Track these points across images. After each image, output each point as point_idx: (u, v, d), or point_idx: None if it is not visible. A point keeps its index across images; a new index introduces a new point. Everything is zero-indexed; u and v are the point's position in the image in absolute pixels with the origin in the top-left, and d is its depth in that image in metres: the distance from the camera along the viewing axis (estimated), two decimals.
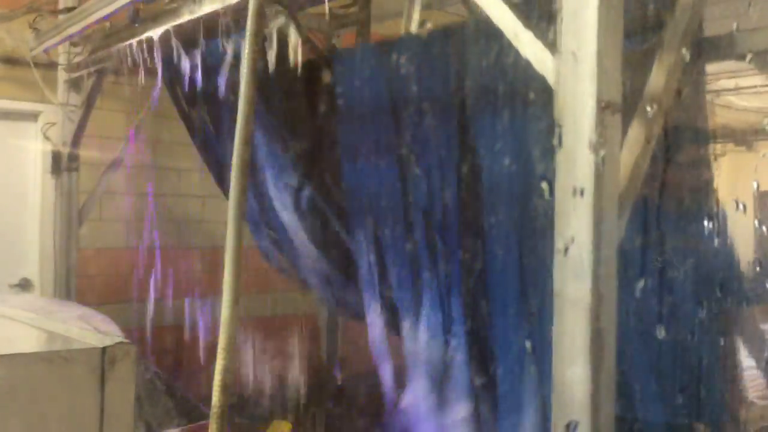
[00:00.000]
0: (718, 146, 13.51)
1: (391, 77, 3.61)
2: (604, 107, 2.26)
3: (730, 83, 9.93)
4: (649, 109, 2.55)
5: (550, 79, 2.40)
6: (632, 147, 2.50)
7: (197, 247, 6.88)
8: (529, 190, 3.00)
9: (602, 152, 2.27)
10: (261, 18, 3.08)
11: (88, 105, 6.09)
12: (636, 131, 2.53)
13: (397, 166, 3.69)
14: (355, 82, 3.84)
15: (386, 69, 3.63)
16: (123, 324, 6.39)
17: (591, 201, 2.27)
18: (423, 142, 3.54)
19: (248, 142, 2.98)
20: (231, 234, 2.90)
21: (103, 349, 1.83)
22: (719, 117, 12.25)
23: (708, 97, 12.30)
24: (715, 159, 12.22)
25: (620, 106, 2.31)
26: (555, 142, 2.36)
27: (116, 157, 6.33)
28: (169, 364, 6.74)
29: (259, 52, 3.18)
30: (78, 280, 6.25)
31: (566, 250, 2.33)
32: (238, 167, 2.94)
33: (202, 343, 6.62)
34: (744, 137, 11.71)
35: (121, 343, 1.82)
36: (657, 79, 2.60)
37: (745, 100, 10.61)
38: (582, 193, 2.29)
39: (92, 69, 5.81)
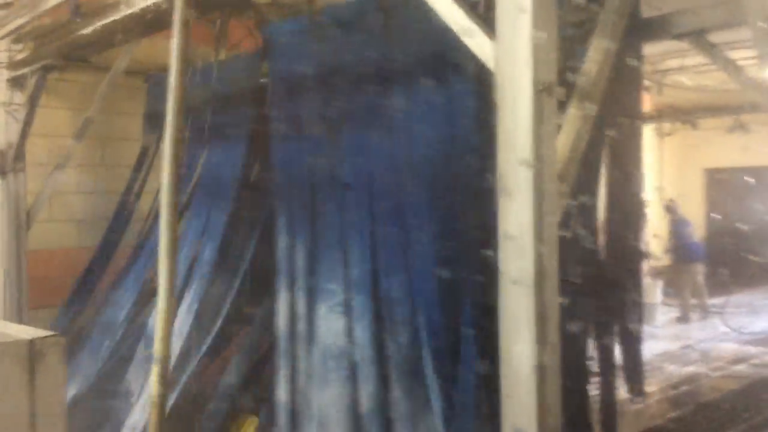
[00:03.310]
0: (666, 125, 13.87)
1: (318, 50, 3.59)
2: (540, 90, 2.33)
3: (674, 63, 10.17)
4: (585, 90, 2.62)
5: (490, 64, 2.45)
6: (570, 127, 2.58)
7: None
8: (455, 169, 3.04)
9: (540, 133, 2.34)
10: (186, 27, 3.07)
11: (33, 103, 5.95)
12: (574, 112, 2.61)
13: (323, 142, 3.68)
14: (284, 57, 3.83)
15: (312, 41, 3.60)
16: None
17: (531, 182, 2.34)
18: (348, 116, 3.53)
19: (179, 139, 3.00)
20: (164, 228, 2.92)
21: (31, 342, 1.82)
22: (667, 96, 12.55)
23: (656, 77, 12.41)
24: (662, 137, 12.36)
25: (556, 88, 2.38)
26: (496, 124, 2.42)
27: (64, 155, 6.21)
28: None
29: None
30: (30, 282, 6.13)
31: (508, 231, 2.40)
32: (169, 161, 2.96)
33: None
34: (689, 116, 11.97)
35: (49, 336, 1.81)
36: (593, 61, 2.67)
37: (691, 79, 10.87)
38: (522, 174, 2.35)
39: (35, 66, 5.69)
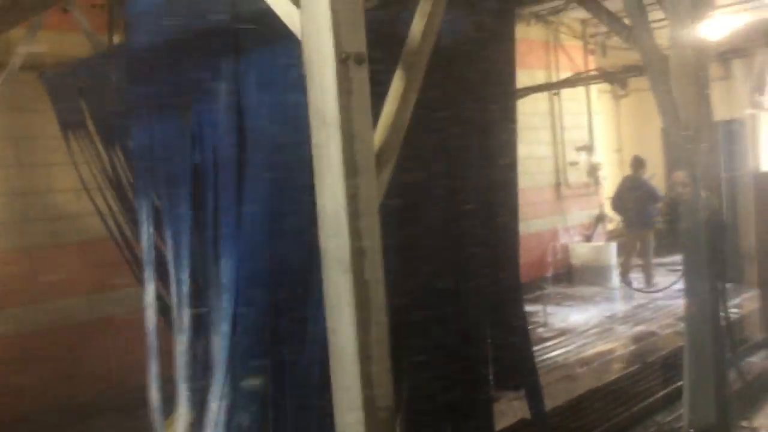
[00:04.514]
0: (619, 88, 13.75)
1: (170, 23, 3.43)
2: (344, 59, 2.21)
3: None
4: (409, 59, 2.50)
5: (297, 32, 2.33)
6: (393, 99, 2.46)
7: (76, 242, 6.65)
8: (289, 143, 2.93)
9: (350, 105, 2.23)
10: None
11: None
12: (398, 83, 2.49)
13: (174, 121, 3.54)
14: (139, 33, 3.68)
15: (166, 13, 3.45)
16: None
17: (340, 156, 2.23)
18: (196, 92, 3.39)
19: None
20: None
21: None
22: (611, 58, 12.45)
23: (599, 38, 12.29)
24: (618, 100, 12.26)
25: (365, 57, 2.26)
26: (306, 96, 2.31)
27: None
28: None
29: None
30: None
31: (325, 206, 2.30)
32: None
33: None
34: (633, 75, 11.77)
35: None
36: (416, 28, 2.55)
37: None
38: (333, 148, 2.24)
39: None
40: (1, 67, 5.67)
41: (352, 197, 2.24)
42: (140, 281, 3.88)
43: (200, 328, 3.35)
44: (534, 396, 3.96)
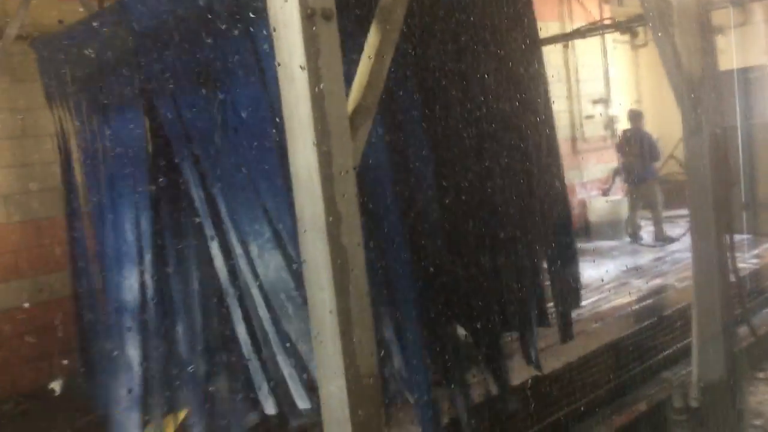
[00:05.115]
0: (641, 36, 13.33)
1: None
2: (310, 14, 2.12)
3: None
4: (385, 11, 2.38)
5: None
6: (367, 55, 2.36)
7: None
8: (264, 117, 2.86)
9: (318, 64, 2.14)
10: None
11: None
12: (372, 38, 2.38)
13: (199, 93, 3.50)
14: (142, 10, 3.62)
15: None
16: None
17: (310, 118, 2.14)
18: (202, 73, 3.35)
19: None
20: None
21: None
22: (629, 6, 12.05)
23: None
24: (636, 50, 11.83)
25: (332, 12, 2.16)
26: (276, 58, 2.22)
27: None
28: None
29: None
30: None
31: (298, 173, 2.23)
32: None
33: None
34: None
35: None
36: None
37: None
38: (303, 109, 2.16)
39: None
40: None
41: (325, 162, 2.16)
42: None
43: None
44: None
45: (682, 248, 9.12)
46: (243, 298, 3.77)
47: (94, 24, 4.37)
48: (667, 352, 5.62)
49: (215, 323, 4.07)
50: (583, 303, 7.45)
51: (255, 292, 3.61)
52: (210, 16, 3.38)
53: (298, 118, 2.18)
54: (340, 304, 2.19)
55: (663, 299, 7.45)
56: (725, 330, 4.15)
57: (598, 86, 12.00)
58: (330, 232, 2.18)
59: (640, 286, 8.13)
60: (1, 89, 6.19)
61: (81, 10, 5.75)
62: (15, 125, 6.38)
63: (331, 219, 2.17)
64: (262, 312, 3.60)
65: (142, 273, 4.16)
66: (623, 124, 12.22)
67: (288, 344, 3.47)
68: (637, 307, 7.36)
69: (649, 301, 7.47)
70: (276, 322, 3.53)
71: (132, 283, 4.17)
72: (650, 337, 6.01)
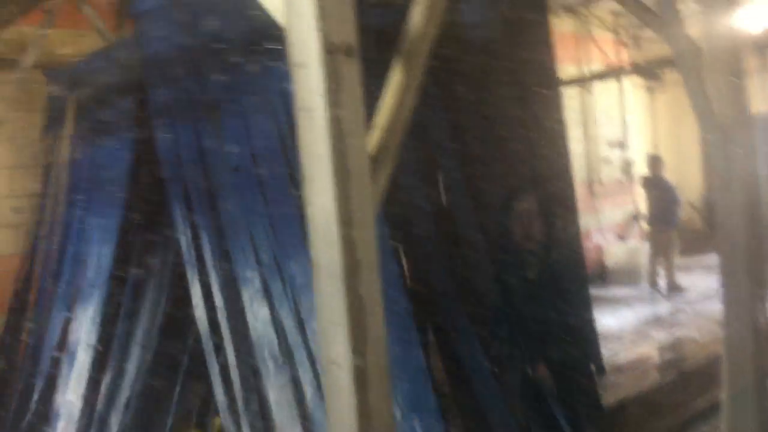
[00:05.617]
0: (654, 82, 13.24)
1: (186, 25, 3.33)
2: (332, 51, 2.00)
3: None
4: (409, 51, 2.27)
5: (280, 20, 2.12)
6: (390, 95, 2.23)
7: None
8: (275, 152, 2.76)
9: (339, 101, 2.02)
10: None
11: None
12: (396, 77, 2.26)
13: (205, 125, 3.44)
14: (154, 38, 3.57)
15: (180, 14, 3.34)
16: None
17: (330, 159, 2.01)
18: (226, 96, 3.29)
19: None
20: None
21: None
22: (647, 51, 12.00)
23: (632, 31, 11.76)
24: (653, 95, 11.70)
25: (354, 49, 2.05)
26: (294, 88, 2.09)
27: None
28: None
29: None
30: None
31: (314, 216, 2.09)
32: None
33: None
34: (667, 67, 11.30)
35: None
36: (417, 11, 2.31)
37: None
38: (321, 149, 2.03)
39: None
40: (14, 64, 5.57)
41: (344, 204, 2.03)
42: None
43: None
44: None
45: (704, 298, 8.88)
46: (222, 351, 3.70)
47: (104, 56, 4.35)
48: (693, 407, 5.38)
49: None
50: (603, 354, 7.29)
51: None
52: (221, 50, 3.34)
53: (317, 159, 2.05)
54: (355, 360, 2.03)
55: (687, 352, 7.21)
56: (757, 384, 3.96)
57: (615, 130, 11.90)
58: (347, 279, 2.03)
59: (662, 337, 7.88)
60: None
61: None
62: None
63: (348, 268, 2.03)
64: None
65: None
66: (640, 168, 12.09)
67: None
68: (660, 359, 7.12)
69: (670, 354, 7.24)
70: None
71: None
72: (674, 392, 5.78)
